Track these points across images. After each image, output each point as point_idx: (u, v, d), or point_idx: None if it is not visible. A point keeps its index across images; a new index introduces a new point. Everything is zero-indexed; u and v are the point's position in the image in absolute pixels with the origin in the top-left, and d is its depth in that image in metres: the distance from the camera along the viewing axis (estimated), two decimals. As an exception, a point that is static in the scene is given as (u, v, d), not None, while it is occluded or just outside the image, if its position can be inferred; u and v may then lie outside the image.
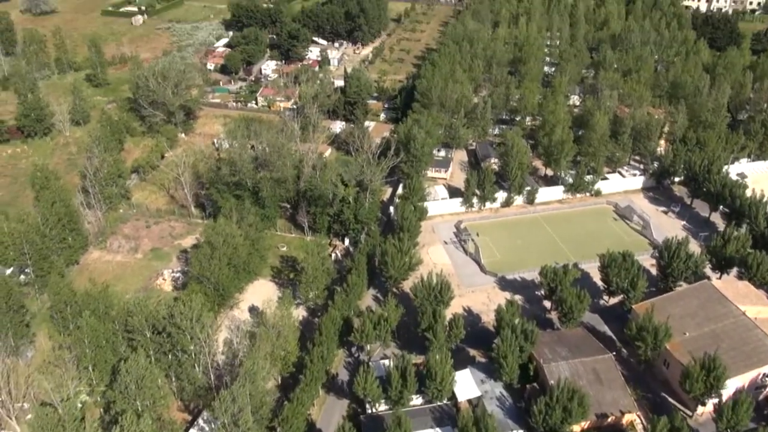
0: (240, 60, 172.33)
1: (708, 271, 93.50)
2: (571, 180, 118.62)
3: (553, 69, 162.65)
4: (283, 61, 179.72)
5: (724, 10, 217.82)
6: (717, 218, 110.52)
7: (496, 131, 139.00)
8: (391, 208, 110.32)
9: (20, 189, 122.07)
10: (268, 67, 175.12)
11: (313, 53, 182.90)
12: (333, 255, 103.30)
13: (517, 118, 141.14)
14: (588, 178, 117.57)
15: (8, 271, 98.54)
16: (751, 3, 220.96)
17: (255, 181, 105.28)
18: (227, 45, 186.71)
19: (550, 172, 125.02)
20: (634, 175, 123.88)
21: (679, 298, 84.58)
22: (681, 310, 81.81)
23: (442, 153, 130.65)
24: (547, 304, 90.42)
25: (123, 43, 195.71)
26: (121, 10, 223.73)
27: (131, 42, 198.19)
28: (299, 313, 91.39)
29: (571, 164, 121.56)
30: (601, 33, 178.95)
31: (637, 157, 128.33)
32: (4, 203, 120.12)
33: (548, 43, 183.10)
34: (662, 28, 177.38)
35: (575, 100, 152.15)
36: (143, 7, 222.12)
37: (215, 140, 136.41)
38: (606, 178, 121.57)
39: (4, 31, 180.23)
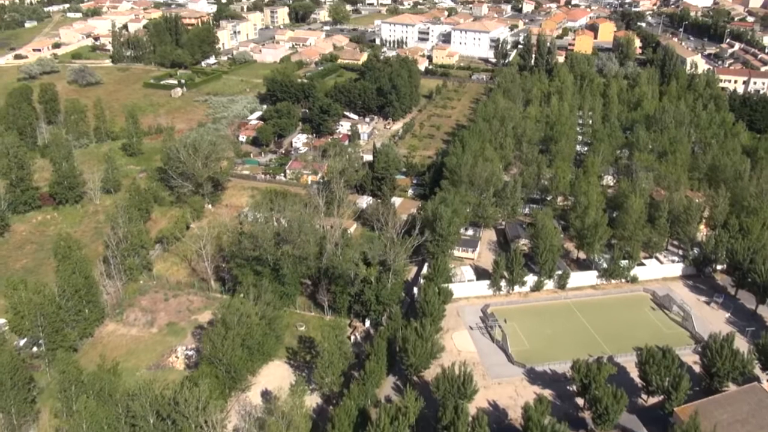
0: (271, 133, 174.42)
1: (758, 371, 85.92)
2: (605, 265, 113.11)
3: (586, 148, 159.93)
4: (314, 135, 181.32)
5: (762, 92, 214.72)
6: (765, 311, 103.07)
7: (527, 210, 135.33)
8: (415, 289, 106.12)
9: (45, 257, 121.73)
10: (299, 140, 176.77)
11: (344, 127, 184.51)
12: (352, 337, 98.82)
13: (549, 198, 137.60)
14: (623, 263, 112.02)
15: (22, 342, 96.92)
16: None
17: (276, 257, 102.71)
18: (260, 118, 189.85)
19: (582, 256, 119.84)
20: (673, 261, 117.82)
21: (726, 402, 77.20)
22: (729, 416, 74.39)
23: (470, 232, 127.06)
24: (580, 401, 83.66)
25: (160, 114, 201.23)
26: (162, 82, 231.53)
27: (168, 113, 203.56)
28: (313, 399, 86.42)
29: (605, 248, 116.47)
30: (634, 113, 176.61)
31: (676, 242, 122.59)
32: (27, 270, 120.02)
33: (580, 122, 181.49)
34: (698, 109, 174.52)
35: (609, 180, 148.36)
36: (182, 81, 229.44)
37: (240, 213, 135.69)
38: (642, 264, 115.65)
39: (48, 101, 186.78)
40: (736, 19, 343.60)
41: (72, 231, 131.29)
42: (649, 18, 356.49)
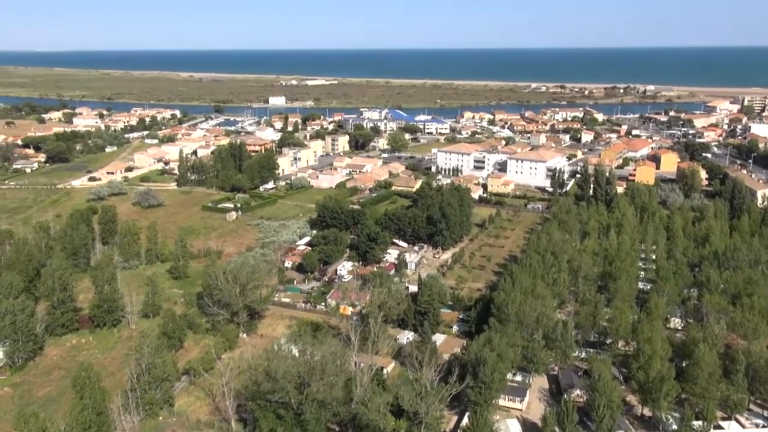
0: (317, 260, 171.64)
1: None
2: (674, 425, 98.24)
3: (650, 286, 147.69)
4: (361, 263, 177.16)
5: None
6: None
7: (583, 355, 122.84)
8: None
9: (70, 385, 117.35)
10: (344, 268, 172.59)
11: (392, 256, 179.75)
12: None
13: (608, 342, 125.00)
14: (696, 424, 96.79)
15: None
16: None
17: (299, 401, 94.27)
18: (308, 243, 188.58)
19: (648, 412, 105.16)
20: (757, 425, 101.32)
21: None
22: None
23: (519, 378, 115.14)
24: None
25: (213, 237, 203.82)
26: (219, 206, 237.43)
27: (221, 236, 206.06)
28: None
29: (675, 404, 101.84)
30: (702, 249, 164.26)
31: (760, 401, 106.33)
32: (50, 399, 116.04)
33: (643, 256, 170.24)
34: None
35: (676, 323, 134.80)
36: (238, 205, 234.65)
37: (271, 345, 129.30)
38: (720, 428, 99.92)
39: (107, 223, 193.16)
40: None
41: (102, 357, 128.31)
42: (715, 149, 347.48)
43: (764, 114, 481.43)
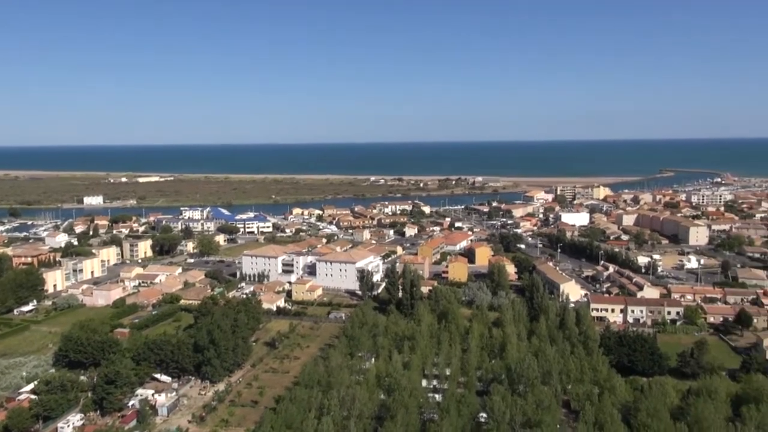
0: (29, 417, 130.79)
1: None
2: None
3: (436, 417, 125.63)
4: (98, 412, 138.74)
5: (642, 320, 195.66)
6: None
7: None
8: None
9: None
10: (70, 423, 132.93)
11: (141, 398, 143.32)
12: None
13: None
14: None
15: None
16: (669, 313, 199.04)
17: None
18: (33, 390, 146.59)
19: None
20: None
21: None
22: None
23: None
24: None
25: None
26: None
27: None
28: None
29: None
30: (496, 363, 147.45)
31: None
32: None
33: (436, 373, 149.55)
34: (567, 353, 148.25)
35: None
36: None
37: None
38: None
39: None
40: (611, 237, 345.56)
41: None
42: (529, 239, 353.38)
43: (574, 202, 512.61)
